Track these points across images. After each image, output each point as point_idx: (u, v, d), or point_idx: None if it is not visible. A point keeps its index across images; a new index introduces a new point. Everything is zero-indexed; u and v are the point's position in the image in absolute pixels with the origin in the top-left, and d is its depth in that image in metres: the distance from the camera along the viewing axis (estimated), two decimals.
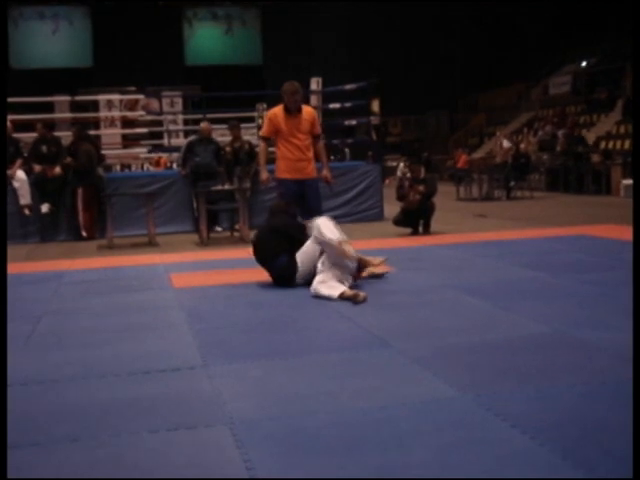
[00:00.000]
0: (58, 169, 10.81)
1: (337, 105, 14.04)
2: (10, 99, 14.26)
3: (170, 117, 18.44)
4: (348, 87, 13.21)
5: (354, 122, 15.24)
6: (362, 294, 5.42)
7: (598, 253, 7.46)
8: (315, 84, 16.02)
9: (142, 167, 18.89)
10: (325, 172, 7.52)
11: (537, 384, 3.43)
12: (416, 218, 9.89)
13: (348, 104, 13.57)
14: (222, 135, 13.90)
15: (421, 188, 9.82)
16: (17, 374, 3.95)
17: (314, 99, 15.73)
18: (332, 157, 23.22)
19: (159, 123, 18.10)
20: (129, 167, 19.05)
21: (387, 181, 18.87)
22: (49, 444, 2.99)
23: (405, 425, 3.01)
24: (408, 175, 10.02)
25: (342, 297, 5.44)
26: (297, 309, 5.38)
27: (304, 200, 7.17)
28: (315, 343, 4.38)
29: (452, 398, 3.31)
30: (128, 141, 17.86)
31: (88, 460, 2.81)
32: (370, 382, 3.59)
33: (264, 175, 7.37)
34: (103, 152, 12.88)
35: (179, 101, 21.06)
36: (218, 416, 3.22)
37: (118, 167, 18.27)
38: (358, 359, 3.99)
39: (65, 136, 12.47)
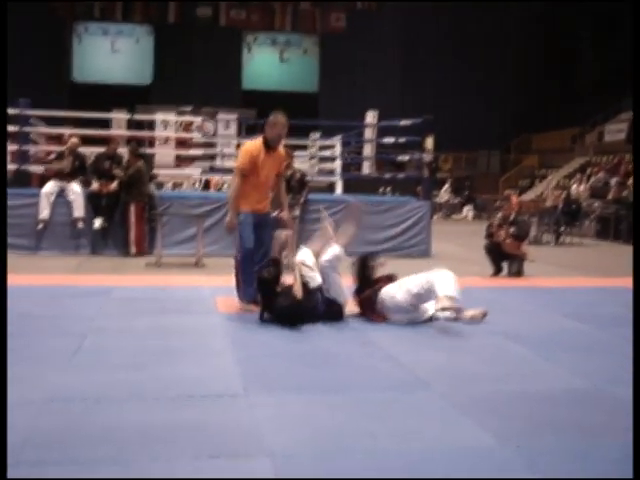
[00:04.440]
0: (114, 185, 11.01)
1: (391, 139, 14.10)
2: (69, 113, 14.63)
3: (224, 140, 18.69)
4: (402, 123, 13.24)
5: (407, 157, 15.27)
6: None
7: None
8: (371, 117, 16.10)
9: (193, 186, 19.12)
10: (284, 214, 7.07)
11: (576, 440, 3.44)
12: (502, 259, 9.49)
13: (402, 139, 13.62)
14: None
15: (511, 230, 9.38)
16: (62, 390, 4.05)
17: (369, 132, 15.82)
18: (381, 190, 23.38)
19: (212, 144, 18.34)
20: (180, 186, 19.31)
21: (435, 217, 18.84)
22: (89, 464, 3.06)
23: (443, 472, 3.04)
24: (499, 215, 9.72)
25: None
26: (340, 344, 5.43)
27: (257, 231, 6.77)
28: (357, 380, 4.42)
29: (492, 448, 3.33)
30: (181, 161, 18.10)
31: None
32: (409, 425, 3.62)
33: (234, 221, 6.63)
34: (156, 171, 13.07)
35: (234, 124, 21.34)
36: (259, 447, 3.28)
37: (169, 185, 18.52)
38: (398, 400, 4.03)
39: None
